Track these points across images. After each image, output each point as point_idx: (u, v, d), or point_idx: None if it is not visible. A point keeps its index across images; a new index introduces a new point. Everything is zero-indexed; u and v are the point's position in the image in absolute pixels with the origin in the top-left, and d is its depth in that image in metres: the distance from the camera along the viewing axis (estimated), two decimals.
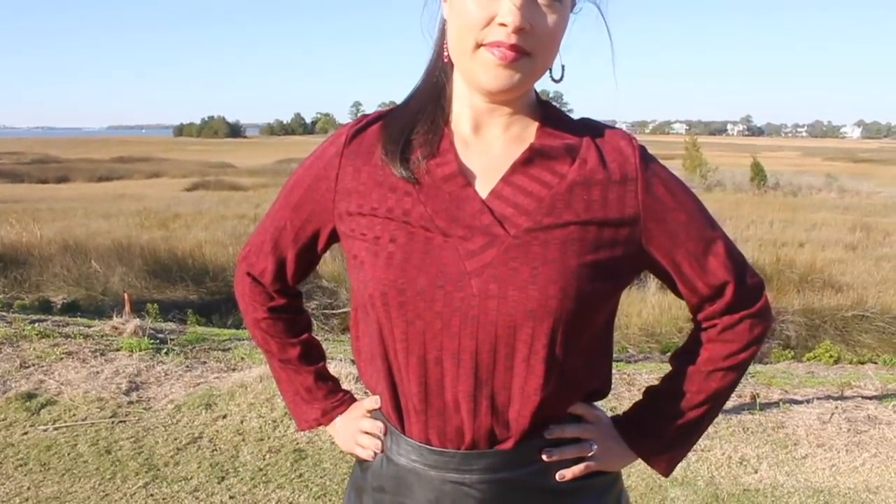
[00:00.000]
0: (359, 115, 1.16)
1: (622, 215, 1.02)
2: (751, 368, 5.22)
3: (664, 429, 1.13)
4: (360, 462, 1.16)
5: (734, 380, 1.12)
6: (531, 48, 0.95)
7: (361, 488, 1.14)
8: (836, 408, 4.00)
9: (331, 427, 1.24)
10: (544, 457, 1.04)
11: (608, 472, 1.12)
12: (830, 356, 6.62)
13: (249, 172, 34.71)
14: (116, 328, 5.34)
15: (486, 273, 0.97)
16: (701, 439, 3.60)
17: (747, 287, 1.09)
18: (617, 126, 1.11)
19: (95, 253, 10.54)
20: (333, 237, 1.11)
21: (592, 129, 1.06)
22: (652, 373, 4.71)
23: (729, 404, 3.98)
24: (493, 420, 1.01)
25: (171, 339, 5.02)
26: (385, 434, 1.10)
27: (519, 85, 0.98)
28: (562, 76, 1.03)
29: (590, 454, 1.08)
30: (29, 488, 3.12)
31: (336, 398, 1.24)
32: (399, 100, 1.12)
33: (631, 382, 4.38)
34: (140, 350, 4.72)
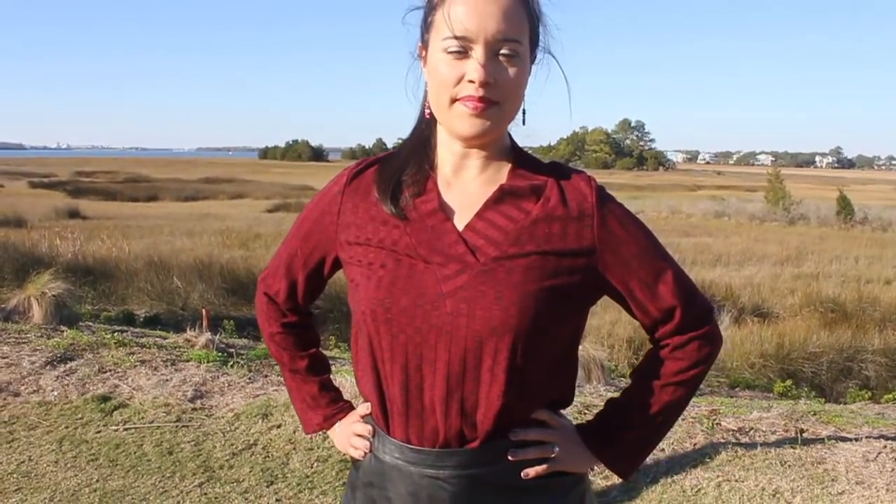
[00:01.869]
0: None
1: (580, 247, 1.17)
2: (814, 406, 5.15)
3: (622, 436, 1.27)
4: (354, 461, 1.33)
5: (685, 394, 1.26)
6: (498, 98, 1.13)
7: (354, 485, 1.31)
8: (885, 447, 3.93)
9: (331, 431, 1.41)
10: (510, 457, 1.19)
11: (572, 473, 1.26)
12: None
13: None
14: (189, 340, 5.69)
15: (459, 295, 1.13)
16: (735, 469, 3.58)
17: (695, 312, 1.23)
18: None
19: (178, 269, 11.02)
20: (337, 264, 1.30)
21: (558, 171, 1.22)
22: (711, 404, 4.69)
23: (771, 437, 3.97)
24: (463, 422, 1.16)
25: (239, 354, 5.32)
26: (374, 436, 1.27)
27: (490, 130, 1.16)
28: (524, 120, 1.21)
29: (552, 456, 1.22)
30: (97, 481, 3.43)
31: (337, 406, 1.41)
32: None
33: None
34: (208, 362, 5.02)
